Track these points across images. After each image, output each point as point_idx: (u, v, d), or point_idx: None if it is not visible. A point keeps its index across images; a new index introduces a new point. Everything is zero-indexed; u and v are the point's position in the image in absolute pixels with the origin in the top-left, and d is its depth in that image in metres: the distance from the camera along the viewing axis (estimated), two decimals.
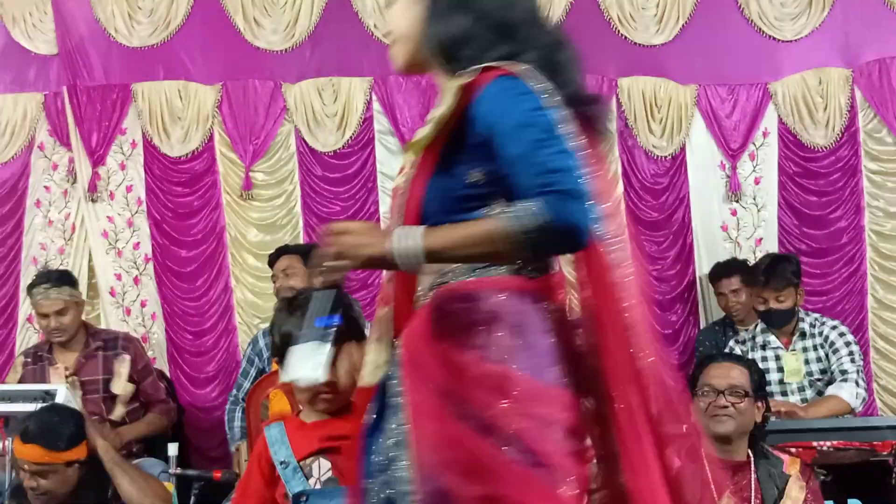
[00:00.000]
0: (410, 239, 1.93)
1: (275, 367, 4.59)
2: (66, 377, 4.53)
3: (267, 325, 5.00)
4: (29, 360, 4.73)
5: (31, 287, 4.71)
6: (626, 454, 1.91)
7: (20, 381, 4.64)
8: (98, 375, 4.62)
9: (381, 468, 1.97)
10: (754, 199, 5.69)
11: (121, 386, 4.61)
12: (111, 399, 4.61)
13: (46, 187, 5.75)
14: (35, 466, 3.47)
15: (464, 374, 1.87)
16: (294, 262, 4.78)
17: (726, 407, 3.42)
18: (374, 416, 2.05)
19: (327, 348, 2.11)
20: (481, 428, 1.83)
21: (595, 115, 2.05)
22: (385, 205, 5.62)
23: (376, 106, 5.68)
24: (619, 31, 5.66)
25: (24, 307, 5.64)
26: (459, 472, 1.82)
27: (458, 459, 1.83)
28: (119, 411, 4.60)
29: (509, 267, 1.98)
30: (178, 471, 4.18)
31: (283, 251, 4.93)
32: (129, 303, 5.65)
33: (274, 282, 4.86)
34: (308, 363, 2.12)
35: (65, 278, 4.77)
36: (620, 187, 5.57)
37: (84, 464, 3.54)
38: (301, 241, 5.58)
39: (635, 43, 5.69)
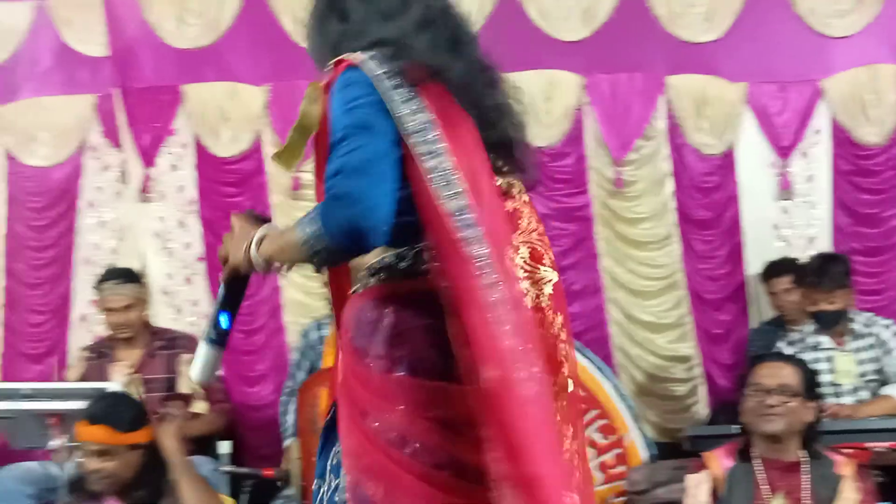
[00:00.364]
0: (254, 245, 1.99)
1: (325, 363, 4.64)
2: (129, 374, 4.60)
3: (315, 320, 5.03)
4: (91, 355, 4.82)
5: (99, 282, 4.80)
6: (497, 439, 1.81)
7: (83, 377, 4.72)
8: (160, 374, 4.69)
9: (332, 471, 2.02)
10: (806, 197, 5.63)
11: (189, 385, 4.68)
12: (174, 398, 4.67)
13: (99, 188, 5.83)
14: (100, 447, 3.51)
15: (366, 385, 1.93)
16: None
17: (775, 406, 3.39)
18: (331, 417, 2.07)
19: (204, 349, 2.13)
20: (385, 435, 1.88)
21: (467, 86, 1.99)
22: None
23: None
24: (666, 29, 5.62)
25: (78, 306, 5.72)
26: (372, 479, 1.88)
27: (370, 467, 1.88)
28: (201, 406, 4.68)
29: (405, 267, 1.96)
30: (230, 468, 4.24)
31: None
32: (180, 302, 5.71)
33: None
34: (196, 363, 2.15)
35: (132, 275, 4.88)
36: (671, 186, 5.54)
37: (146, 450, 3.58)
38: None
39: (683, 41, 5.64)
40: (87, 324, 5.70)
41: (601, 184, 5.58)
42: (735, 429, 3.69)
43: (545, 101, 5.57)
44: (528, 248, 2.05)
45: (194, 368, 2.14)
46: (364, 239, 1.83)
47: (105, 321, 4.81)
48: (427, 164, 1.86)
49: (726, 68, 5.62)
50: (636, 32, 5.59)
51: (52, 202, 5.81)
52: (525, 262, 2.03)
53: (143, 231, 5.75)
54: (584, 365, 4.89)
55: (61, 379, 5.48)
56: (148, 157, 5.74)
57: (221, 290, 2.18)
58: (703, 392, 5.49)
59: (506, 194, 2.06)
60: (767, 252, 5.49)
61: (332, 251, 1.88)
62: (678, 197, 5.54)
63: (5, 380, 5.59)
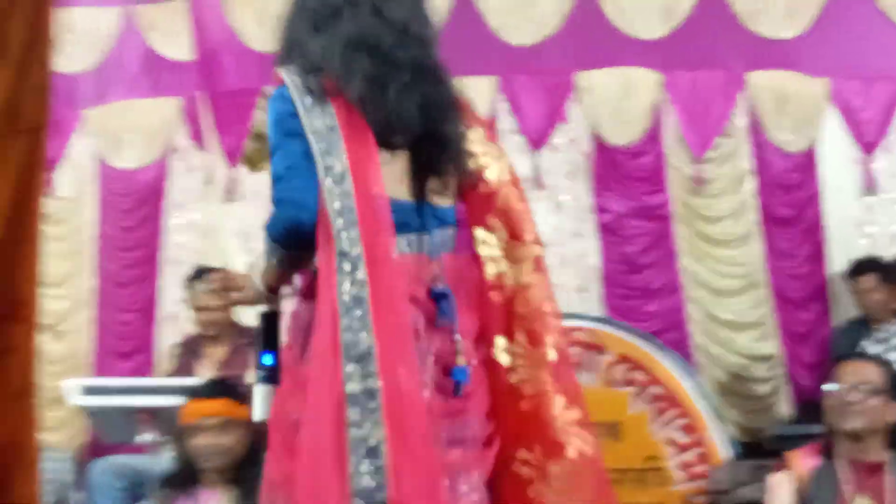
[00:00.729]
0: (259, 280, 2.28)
1: None
2: (217, 369, 4.70)
3: None
4: (180, 352, 4.93)
5: (190, 281, 4.87)
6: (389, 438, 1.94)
7: (171, 373, 4.84)
8: (244, 370, 4.78)
9: None
10: (891, 193, 5.52)
11: None
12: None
13: (184, 189, 5.96)
14: (220, 420, 3.57)
15: (286, 374, 2.19)
16: None
17: (855, 403, 3.35)
18: None
19: (259, 390, 2.24)
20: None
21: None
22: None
23: (501, 105, 5.70)
24: (746, 26, 5.55)
25: (165, 305, 5.86)
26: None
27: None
28: None
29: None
30: None
31: None
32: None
33: None
34: (255, 406, 2.25)
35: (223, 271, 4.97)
36: (751, 183, 5.47)
37: (255, 430, 3.67)
38: None
39: (763, 37, 5.57)
40: (173, 321, 5.83)
41: (680, 182, 5.54)
42: (818, 429, 3.64)
43: (624, 99, 5.56)
44: (506, 227, 2.22)
45: (255, 411, 2.25)
46: (301, 234, 2.04)
47: (196, 319, 4.88)
48: (324, 163, 2.05)
49: (808, 64, 5.53)
50: (715, 29, 5.54)
51: (140, 203, 5.96)
52: (503, 241, 2.22)
53: (227, 231, 5.86)
54: (665, 363, 4.86)
55: (150, 375, 5.63)
56: (232, 159, 5.85)
57: (257, 332, 2.31)
58: (785, 391, 5.42)
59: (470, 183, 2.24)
60: (851, 250, 5.41)
61: (285, 255, 2.12)
62: (759, 195, 5.47)
63: (97, 375, 5.74)
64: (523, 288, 2.21)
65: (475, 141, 2.29)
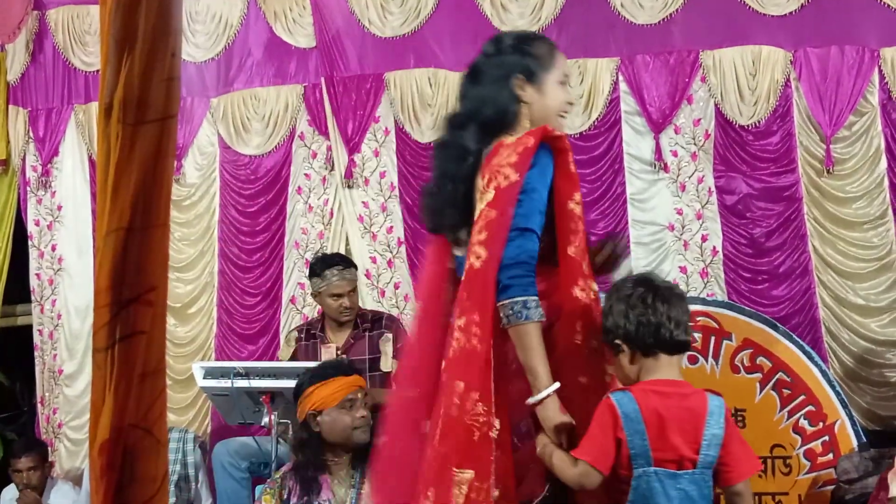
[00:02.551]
0: None
1: None
2: (337, 356, 4.75)
3: None
4: (302, 336, 4.99)
5: (323, 268, 4.87)
6: None
7: (293, 357, 4.90)
8: (365, 355, 4.82)
9: None
10: None
11: (387, 363, 4.80)
12: (378, 377, 4.79)
13: (307, 175, 6.04)
14: (364, 393, 3.71)
15: None
16: None
17: None
18: None
19: None
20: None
21: None
22: (633, 186, 5.55)
23: (623, 86, 5.61)
24: (881, 0, 5.33)
25: (289, 288, 5.95)
26: None
27: None
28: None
29: None
30: None
31: None
32: (383, 285, 5.85)
33: None
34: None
35: (350, 261, 5.04)
36: (884, 163, 5.27)
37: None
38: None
39: None
40: (296, 305, 5.92)
41: (810, 162, 5.37)
42: None
43: (751, 77, 5.41)
44: None
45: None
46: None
47: (330, 306, 4.87)
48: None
49: None
50: (848, 3, 5.34)
51: (264, 189, 6.06)
52: None
53: (348, 216, 5.92)
54: (793, 349, 4.74)
55: (273, 358, 5.73)
56: (352, 144, 5.90)
57: None
58: None
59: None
60: None
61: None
62: (892, 175, 5.27)
63: (220, 359, 5.87)
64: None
65: None
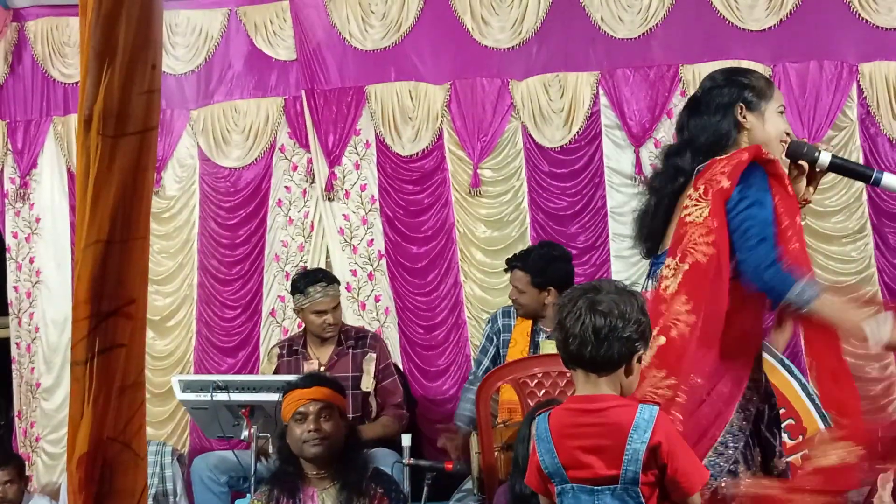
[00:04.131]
0: None
1: (510, 353, 4.66)
2: (319, 371, 4.73)
3: (502, 307, 5.03)
4: (284, 352, 4.97)
5: (306, 285, 4.86)
6: None
7: (275, 372, 4.88)
8: (348, 372, 4.81)
9: None
10: None
11: (368, 383, 4.80)
12: (359, 396, 4.78)
13: (287, 187, 6.02)
14: (322, 406, 3.66)
15: None
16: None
17: None
18: None
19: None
20: None
21: None
22: (613, 199, 5.56)
23: (603, 100, 5.63)
24: (859, 15, 5.37)
25: (269, 301, 5.93)
26: None
27: None
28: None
29: None
30: (412, 461, 4.30)
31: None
32: (363, 297, 5.85)
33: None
34: None
35: (333, 277, 5.02)
36: None
37: (349, 423, 3.76)
38: (528, 237, 5.61)
39: (877, 26, 5.39)
40: (276, 318, 5.91)
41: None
42: None
43: None
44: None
45: None
46: None
47: (313, 322, 4.86)
48: None
49: None
50: (826, 19, 5.38)
51: (244, 201, 6.04)
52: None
53: (329, 228, 5.91)
54: (772, 362, 4.75)
55: (253, 371, 5.70)
56: (333, 157, 5.90)
57: None
58: None
59: None
60: None
61: None
62: (870, 189, 5.30)
63: (199, 372, 5.85)
64: None
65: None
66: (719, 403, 2.72)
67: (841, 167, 3.04)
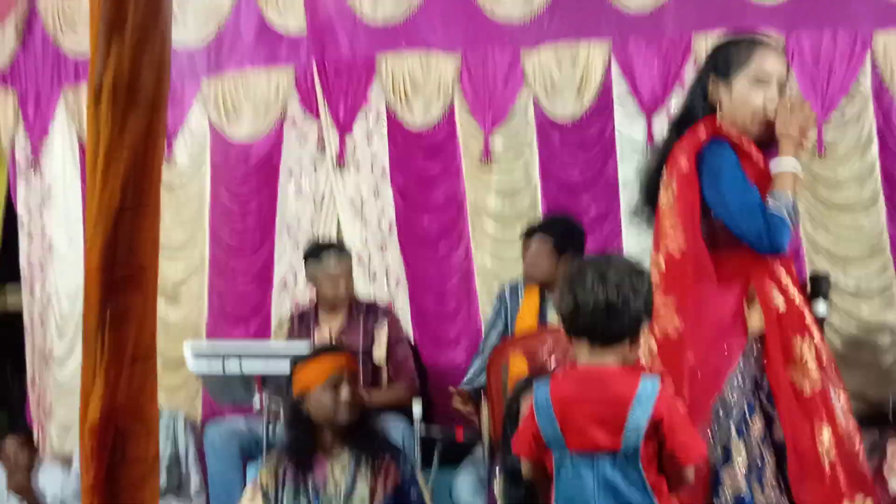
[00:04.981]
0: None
1: (518, 325, 4.66)
2: (331, 341, 4.75)
3: (510, 282, 5.04)
4: (295, 322, 4.99)
5: (319, 252, 4.90)
6: None
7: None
8: (359, 343, 4.83)
9: None
10: None
11: (380, 354, 4.82)
12: (370, 366, 4.80)
13: (298, 158, 6.02)
14: (353, 373, 3.72)
15: None
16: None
17: None
18: None
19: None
20: None
21: None
22: (625, 170, 5.54)
23: (615, 71, 5.60)
24: None
25: (280, 271, 5.95)
26: None
27: None
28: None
29: None
30: (423, 429, 4.33)
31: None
32: (374, 268, 5.85)
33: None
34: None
35: (344, 245, 5.04)
36: (875, 149, 5.28)
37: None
38: (539, 208, 5.60)
39: None
40: (287, 288, 5.92)
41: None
42: None
43: None
44: None
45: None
46: None
47: (323, 291, 4.89)
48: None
49: None
50: None
51: (254, 171, 6.05)
52: None
53: (340, 199, 5.91)
54: None
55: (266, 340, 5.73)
56: (343, 128, 5.89)
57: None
58: None
59: None
60: None
61: None
62: (883, 159, 5.27)
63: (213, 341, 5.87)
64: None
65: None
66: (712, 373, 2.70)
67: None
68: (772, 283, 2.71)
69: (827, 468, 2.58)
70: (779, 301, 2.70)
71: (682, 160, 2.74)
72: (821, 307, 2.94)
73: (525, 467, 2.55)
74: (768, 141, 2.84)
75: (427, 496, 3.69)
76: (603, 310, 2.38)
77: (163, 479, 4.89)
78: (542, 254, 4.72)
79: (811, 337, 2.68)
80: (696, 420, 2.57)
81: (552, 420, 2.41)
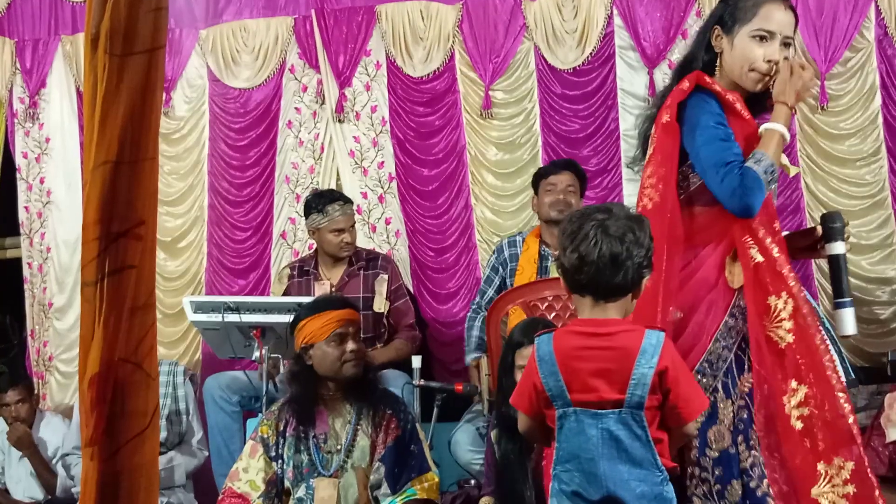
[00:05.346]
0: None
1: (516, 280, 4.66)
2: (331, 292, 4.74)
3: (508, 237, 5.04)
4: (295, 272, 4.98)
5: (324, 203, 4.85)
6: None
7: (285, 293, 4.90)
8: (359, 293, 4.82)
9: None
10: None
11: (380, 304, 4.81)
12: (370, 316, 4.80)
13: (297, 109, 5.98)
14: (358, 327, 3.72)
15: None
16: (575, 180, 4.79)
17: None
18: None
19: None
20: None
21: None
22: (626, 122, 5.51)
23: (617, 21, 5.55)
24: None
25: (279, 223, 5.93)
26: None
27: None
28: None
29: None
30: (422, 382, 4.34)
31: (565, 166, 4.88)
32: (374, 220, 5.84)
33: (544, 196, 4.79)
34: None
35: (347, 197, 5.01)
36: (878, 100, 5.24)
37: None
38: (540, 159, 5.57)
39: None
40: (286, 240, 5.91)
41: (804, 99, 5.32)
42: None
43: None
44: None
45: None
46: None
47: (331, 242, 4.85)
48: None
49: None
50: None
51: (254, 122, 6.01)
52: None
53: (339, 150, 5.88)
54: None
55: (264, 292, 5.73)
56: (343, 78, 5.85)
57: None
58: None
59: None
60: None
61: None
62: (886, 111, 5.24)
63: (210, 293, 5.87)
64: None
65: None
66: (697, 331, 2.66)
67: (835, 268, 2.83)
68: (749, 237, 2.62)
69: (798, 426, 2.50)
70: (756, 255, 2.61)
71: (665, 114, 2.70)
72: (838, 246, 2.78)
73: (522, 422, 2.52)
74: (766, 101, 2.78)
75: (426, 450, 3.70)
76: (607, 263, 2.34)
77: (164, 431, 4.91)
78: (574, 190, 4.74)
79: (788, 293, 2.58)
80: None
81: (556, 374, 2.38)
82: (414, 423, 3.72)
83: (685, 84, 2.70)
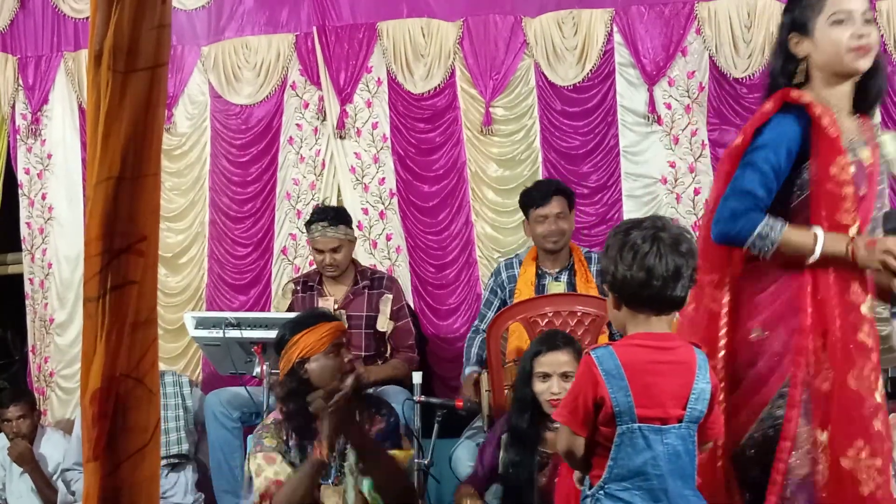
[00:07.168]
0: None
1: (516, 298, 4.66)
2: (335, 310, 4.74)
3: (506, 257, 5.05)
4: (299, 288, 4.98)
5: (308, 223, 4.90)
6: None
7: (289, 309, 4.90)
8: (363, 311, 4.83)
9: None
10: None
11: (384, 323, 4.82)
12: (372, 336, 4.80)
13: (298, 125, 6.00)
14: (348, 337, 3.73)
15: None
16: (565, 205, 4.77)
17: None
18: None
19: None
20: None
21: None
22: (626, 138, 5.53)
23: (617, 38, 5.58)
24: None
25: (280, 239, 5.94)
26: None
27: None
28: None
29: None
30: (422, 398, 4.34)
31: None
32: (375, 236, 5.85)
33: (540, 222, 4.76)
34: None
35: (341, 217, 4.96)
36: (877, 117, 5.25)
37: None
38: (540, 175, 5.58)
39: None
40: (287, 256, 5.92)
41: None
42: None
43: (746, 29, 5.39)
44: None
45: None
46: None
47: (315, 259, 4.93)
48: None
49: None
50: None
51: (255, 138, 6.02)
52: None
53: (340, 166, 5.90)
54: None
55: (264, 308, 5.73)
56: (344, 95, 5.86)
57: None
58: None
59: None
60: None
61: None
62: (885, 126, 5.25)
63: (211, 309, 5.88)
64: None
65: None
66: (772, 361, 2.61)
67: None
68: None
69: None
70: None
71: (739, 137, 2.66)
72: None
73: (566, 441, 2.39)
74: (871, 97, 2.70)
75: (407, 450, 3.71)
76: (671, 276, 2.30)
77: (185, 444, 4.96)
78: (564, 216, 4.72)
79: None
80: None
81: (625, 388, 2.30)
82: (398, 425, 3.73)
83: (767, 105, 2.64)
